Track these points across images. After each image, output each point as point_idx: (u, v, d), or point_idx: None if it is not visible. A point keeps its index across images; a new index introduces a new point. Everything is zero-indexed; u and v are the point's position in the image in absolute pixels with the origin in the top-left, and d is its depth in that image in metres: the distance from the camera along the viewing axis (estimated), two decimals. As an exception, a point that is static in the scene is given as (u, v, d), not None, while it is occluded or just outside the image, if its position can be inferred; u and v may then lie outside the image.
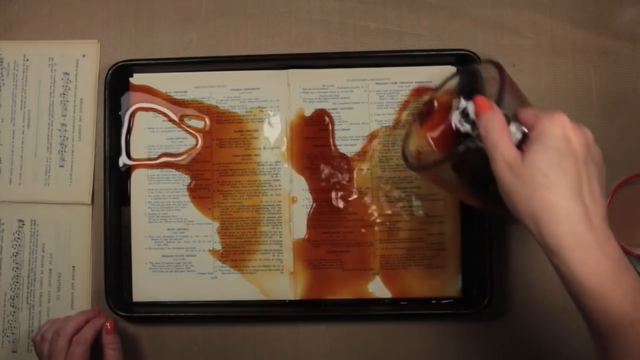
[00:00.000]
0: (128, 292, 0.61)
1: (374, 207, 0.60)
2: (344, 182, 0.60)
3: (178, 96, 0.62)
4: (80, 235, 0.62)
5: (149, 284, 0.61)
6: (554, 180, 0.37)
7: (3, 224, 0.62)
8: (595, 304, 0.36)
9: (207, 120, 0.61)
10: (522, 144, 0.40)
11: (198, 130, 0.61)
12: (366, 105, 0.61)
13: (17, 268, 0.62)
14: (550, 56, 0.61)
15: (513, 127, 0.40)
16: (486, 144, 0.40)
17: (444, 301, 0.60)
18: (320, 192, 0.60)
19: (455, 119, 0.45)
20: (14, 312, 0.62)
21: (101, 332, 0.56)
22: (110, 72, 0.61)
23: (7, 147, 0.63)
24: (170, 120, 0.62)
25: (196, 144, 0.61)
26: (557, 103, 0.61)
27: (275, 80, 0.61)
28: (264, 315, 0.61)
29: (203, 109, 0.61)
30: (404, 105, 0.60)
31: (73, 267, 0.62)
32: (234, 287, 0.61)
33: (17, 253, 0.62)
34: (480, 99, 0.41)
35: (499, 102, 0.41)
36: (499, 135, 0.39)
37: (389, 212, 0.60)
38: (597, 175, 0.39)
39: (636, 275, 0.37)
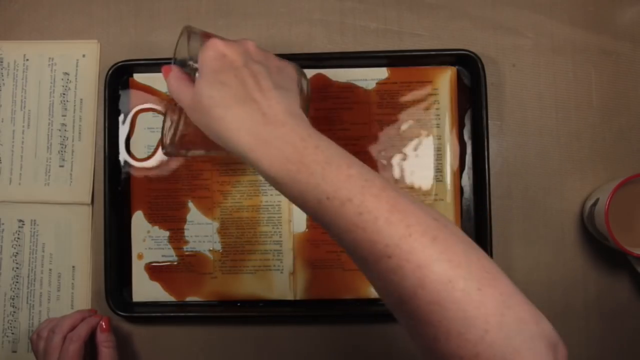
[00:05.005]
0: (128, 292, 0.61)
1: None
2: (344, 182, 0.60)
3: (178, 96, 0.62)
4: (80, 235, 0.62)
5: (149, 284, 0.61)
6: (217, 96, 0.38)
7: (3, 224, 0.62)
8: (288, 190, 0.36)
9: (207, 120, 0.61)
10: None
11: (198, 130, 0.61)
12: (366, 105, 0.61)
13: (17, 268, 0.62)
14: (550, 56, 0.61)
15: (191, 71, 0.42)
16: (176, 101, 0.43)
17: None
18: (320, 192, 0.60)
19: None
20: (14, 312, 0.62)
21: (96, 330, 0.57)
22: (110, 72, 0.61)
23: (7, 147, 0.63)
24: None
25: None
26: (557, 103, 0.61)
27: (275, 80, 0.61)
28: (264, 315, 0.61)
29: (203, 109, 0.61)
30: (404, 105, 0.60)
31: (73, 267, 0.62)
32: (234, 287, 0.61)
33: (17, 253, 0.62)
34: (163, 68, 0.44)
35: (186, 58, 0.43)
36: (176, 87, 0.42)
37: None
38: (265, 73, 0.39)
39: (328, 148, 0.36)
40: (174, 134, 0.46)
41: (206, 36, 0.44)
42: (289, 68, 0.44)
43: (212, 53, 0.39)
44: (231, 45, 0.40)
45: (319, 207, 0.35)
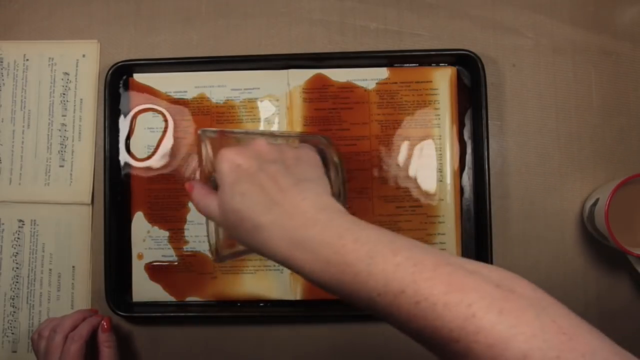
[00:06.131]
0: (128, 292, 0.61)
1: (374, 207, 0.60)
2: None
3: (178, 96, 0.62)
4: (80, 235, 0.62)
5: (148, 284, 0.61)
6: (241, 209, 0.37)
7: (3, 224, 0.62)
8: (337, 292, 0.34)
9: (207, 120, 0.61)
10: None
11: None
12: (366, 105, 0.61)
13: (17, 268, 0.62)
14: (550, 56, 0.61)
15: (213, 183, 0.41)
16: (205, 216, 0.42)
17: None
18: (320, 192, 0.60)
19: None
20: (14, 312, 0.62)
21: (97, 330, 0.57)
22: (110, 72, 0.61)
23: (7, 147, 0.63)
24: (170, 120, 0.62)
25: (196, 144, 0.61)
26: (557, 103, 0.61)
27: (275, 80, 0.61)
28: (264, 315, 0.61)
29: (203, 109, 0.61)
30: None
31: (73, 267, 0.62)
32: (234, 287, 0.61)
33: (17, 253, 0.62)
34: (186, 185, 0.43)
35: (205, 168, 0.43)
36: (202, 204, 0.41)
37: (389, 212, 0.60)
38: (282, 170, 0.38)
39: (368, 238, 0.34)
40: (216, 243, 0.45)
41: (219, 139, 0.42)
42: (308, 153, 0.42)
43: (225, 165, 0.39)
44: (242, 152, 0.39)
45: (373, 305, 0.33)
